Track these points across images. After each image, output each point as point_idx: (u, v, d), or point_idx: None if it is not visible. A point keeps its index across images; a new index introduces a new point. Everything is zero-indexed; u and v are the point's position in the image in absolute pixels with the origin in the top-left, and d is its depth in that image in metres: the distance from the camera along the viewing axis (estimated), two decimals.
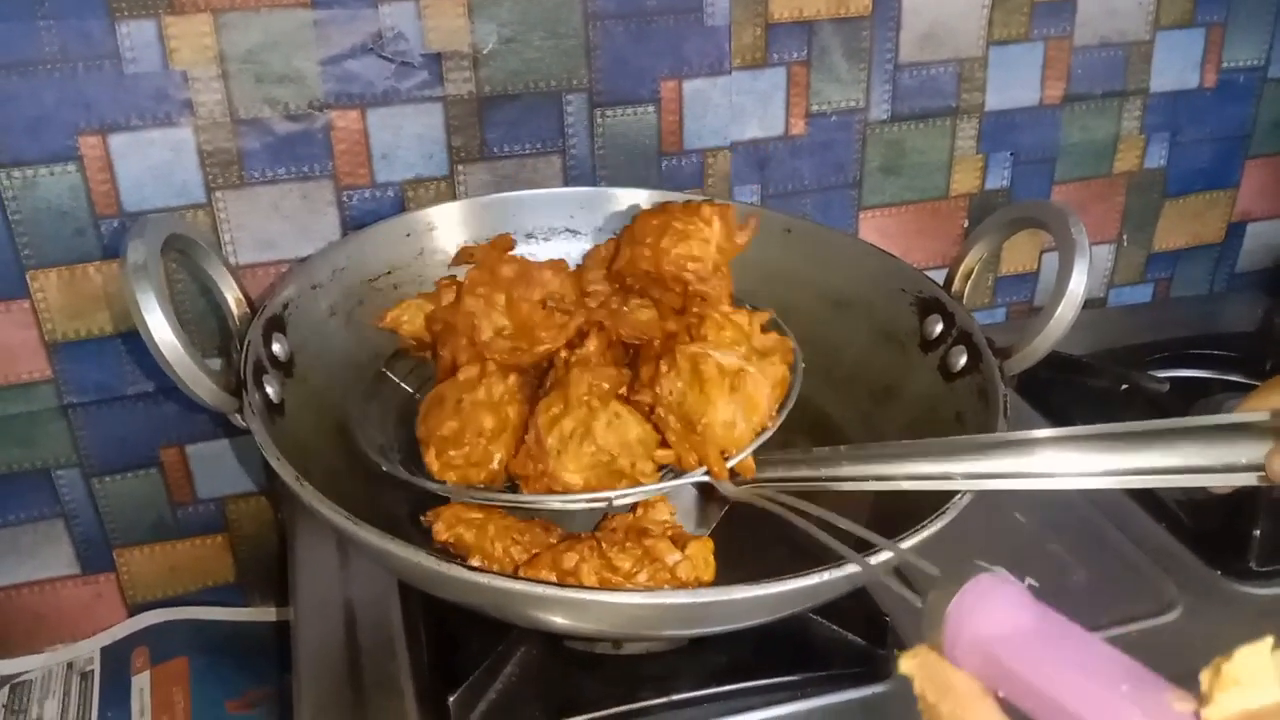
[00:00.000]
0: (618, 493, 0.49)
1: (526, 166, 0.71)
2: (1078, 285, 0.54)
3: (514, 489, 0.52)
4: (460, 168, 0.70)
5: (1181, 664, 0.55)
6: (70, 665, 0.72)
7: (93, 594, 0.73)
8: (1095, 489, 0.45)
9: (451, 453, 0.51)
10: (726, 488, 0.49)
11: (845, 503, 0.53)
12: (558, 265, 0.59)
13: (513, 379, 0.53)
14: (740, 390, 0.50)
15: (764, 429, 0.51)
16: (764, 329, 0.54)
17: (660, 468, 0.51)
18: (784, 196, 0.78)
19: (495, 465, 0.52)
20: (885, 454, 0.49)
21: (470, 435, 0.51)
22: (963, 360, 0.58)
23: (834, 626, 0.53)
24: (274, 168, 0.66)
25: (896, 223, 0.82)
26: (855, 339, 0.65)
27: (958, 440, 0.48)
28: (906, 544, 0.43)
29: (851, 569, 0.40)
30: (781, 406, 0.53)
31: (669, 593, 0.44)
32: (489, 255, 0.59)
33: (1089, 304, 0.91)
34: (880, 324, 0.64)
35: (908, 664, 0.33)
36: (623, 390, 0.52)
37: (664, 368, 0.50)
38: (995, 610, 0.32)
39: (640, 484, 0.49)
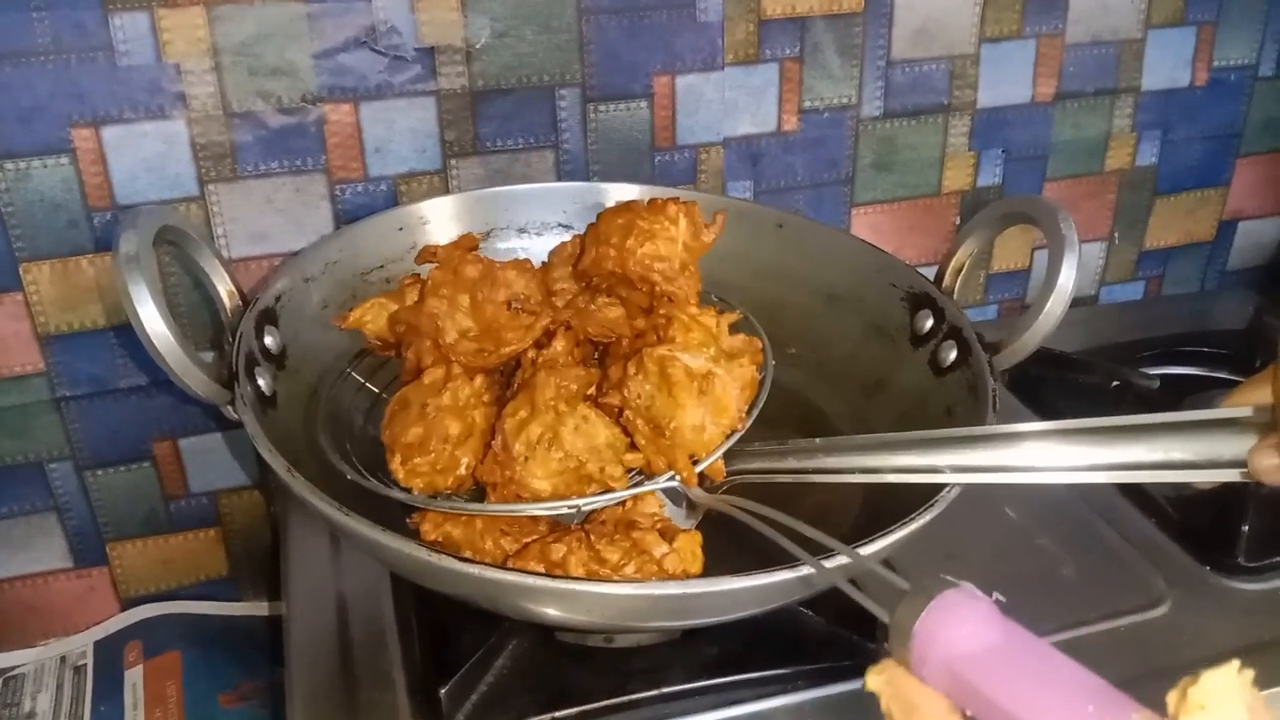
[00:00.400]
0: (586, 500, 0.49)
1: (519, 161, 0.71)
2: (1067, 280, 0.54)
3: (482, 494, 0.51)
4: (453, 162, 0.70)
5: (1169, 659, 0.56)
6: (63, 659, 0.72)
7: (85, 587, 0.73)
8: (1081, 483, 0.46)
9: (417, 460, 0.50)
10: (696, 493, 0.49)
11: (837, 493, 0.53)
12: (522, 265, 0.58)
13: (479, 381, 0.52)
14: (708, 393, 0.49)
15: (733, 431, 0.51)
16: (732, 329, 0.53)
17: (630, 471, 0.51)
18: (777, 192, 0.78)
19: (462, 471, 0.51)
20: (870, 445, 0.49)
21: (436, 442, 0.50)
22: (953, 355, 0.58)
23: (824, 620, 0.54)
24: (267, 161, 0.66)
25: (888, 219, 0.82)
26: (847, 334, 0.65)
27: (943, 433, 0.48)
28: (882, 544, 0.43)
29: (840, 561, 0.41)
30: (751, 408, 0.52)
31: (658, 584, 0.44)
32: (451, 255, 0.58)
33: (1080, 301, 0.92)
34: (871, 319, 0.64)
35: (874, 680, 0.33)
36: (591, 391, 0.52)
37: (631, 370, 0.50)
38: (962, 627, 0.32)
39: (610, 489, 0.49)
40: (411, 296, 0.57)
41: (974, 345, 0.57)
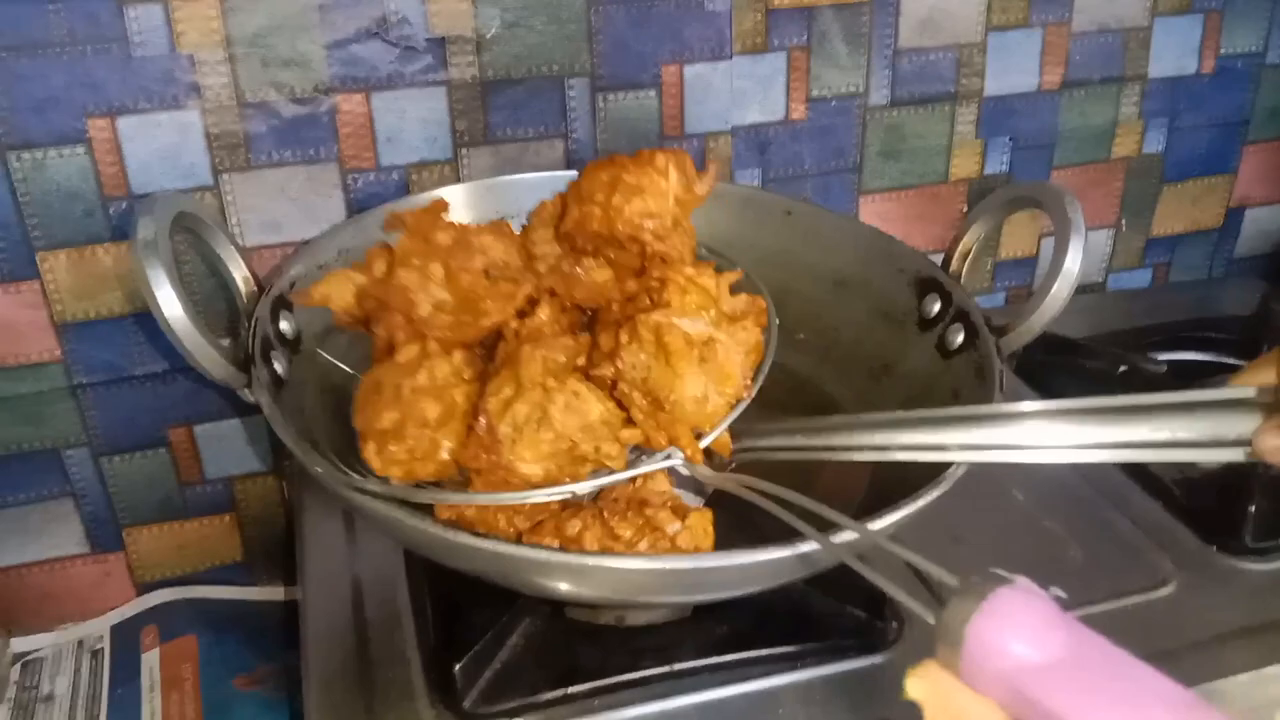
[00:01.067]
0: (582, 484, 0.45)
1: (529, 150, 0.72)
2: (1073, 263, 0.55)
3: (469, 480, 0.47)
4: (464, 151, 0.70)
5: (1176, 639, 0.56)
6: (81, 643, 0.72)
7: (101, 573, 0.74)
8: (1087, 463, 0.46)
9: (393, 447, 0.45)
10: (702, 472, 0.46)
11: (845, 472, 0.53)
12: (499, 228, 0.53)
13: (458, 357, 0.48)
14: (710, 361, 0.45)
15: (739, 400, 0.47)
16: (733, 289, 0.49)
17: (628, 449, 0.47)
18: (785, 181, 0.79)
19: (444, 456, 0.47)
20: (878, 424, 0.49)
21: (413, 426, 0.45)
22: (960, 338, 0.59)
23: (833, 598, 0.54)
24: (280, 150, 0.66)
25: (896, 207, 0.83)
26: (854, 318, 0.65)
27: (950, 411, 0.49)
28: (891, 519, 0.43)
29: (847, 536, 0.41)
30: (757, 373, 0.49)
31: (670, 558, 0.44)
32: (421, 221, 0.52)
33: (1088, 289, 0.92)
34: (879, 303, 0.64)
35: (917, 688, 0.30)
36: (581, 362, 0.47)
37: (624, 338, 0.45)
38: (1021, 631, 0.29)
39: (607, 469, 0.46)
40: (379, 268, 0.51)
41: (981, 327, 0.57)
